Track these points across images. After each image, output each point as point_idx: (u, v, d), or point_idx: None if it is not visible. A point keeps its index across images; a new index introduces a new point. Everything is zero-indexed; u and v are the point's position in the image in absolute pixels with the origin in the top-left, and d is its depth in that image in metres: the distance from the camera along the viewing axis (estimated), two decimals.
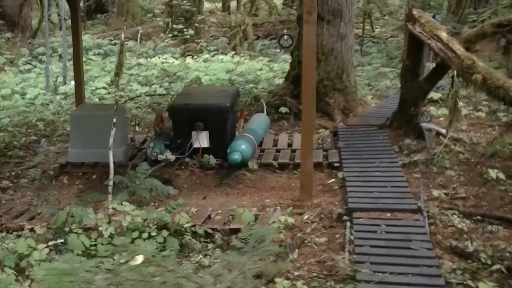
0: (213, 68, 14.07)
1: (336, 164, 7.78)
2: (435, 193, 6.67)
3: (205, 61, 15.82)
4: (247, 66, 14.31)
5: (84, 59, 15.92)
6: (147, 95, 12.32)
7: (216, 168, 7.83)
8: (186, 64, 15.04)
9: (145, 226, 5.87)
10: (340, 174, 7.35)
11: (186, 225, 5.88)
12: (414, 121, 8.63)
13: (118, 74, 6.38)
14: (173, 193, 6.96)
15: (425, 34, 7.72)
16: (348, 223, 6.07)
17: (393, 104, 9.54)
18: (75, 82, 10.02)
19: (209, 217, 6.33)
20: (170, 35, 18.89)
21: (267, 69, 14.39)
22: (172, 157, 7.83)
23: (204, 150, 7.88)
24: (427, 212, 6.20)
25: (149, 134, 9.61)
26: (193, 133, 7.86)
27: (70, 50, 15.87)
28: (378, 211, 6.23)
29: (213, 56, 16.44)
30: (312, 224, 6.27)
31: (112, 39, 18.74)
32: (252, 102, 10.86)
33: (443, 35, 7.44)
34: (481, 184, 7.17)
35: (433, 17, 10.57)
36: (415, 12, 8.21)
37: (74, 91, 10.14)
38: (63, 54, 13.87)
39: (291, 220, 6.06)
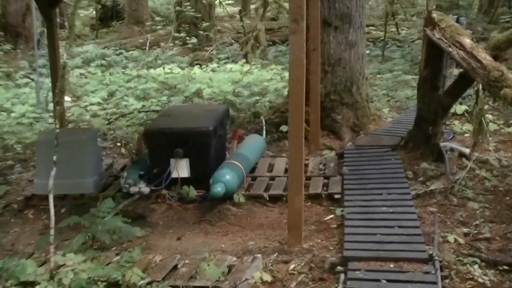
0: (218, 80, 12.96)
1: (337, 196, 6.63)
2: (451, 238, 5.48)
3: (213, 70, 14.74)
4: (255, 76, 13.17)
5: (82, 71, 15.13)
6: (139, 112, 11.25)
7: (198, 201, 6.73)
8: (191, 75, 13.97)
9: (91, 284, 4.78)
10: (338, 211, 6.17)
11: (141, 282, 4.78)
12: (433, 142, 7.45)
13: (58, 102, 5.21)
14: (141, 234, 5.86)
15: (445, 41, 6.56)
16: (342, 276, 4.93)
17: (411, 119, 8.34)
18: (53, 101, 8.99)
19: (174, 267, 5.22)
20: (180, 42, 17.88)
21: (278, 78, 13.26)
22: (146, 190, 6.75)
23: (184, 180, 6.79)
24: (441, 261, 5.02)
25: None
26: (172, 160, 6.76)
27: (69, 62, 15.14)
28: (379, 261, 5.07)
29: (222, 65, 15.36)
30: (299, 276, 5.15)
31: (118, 48, 17.75)
32: (251, 119, 9.71)
33: (467, 41, 6.27)
34: (510, 220, 5.96)
35: (457, 20, 9.39)
36: (434, 15, 7.04)
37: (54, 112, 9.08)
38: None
39: (267, 277, 4.90)
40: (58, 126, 6.09)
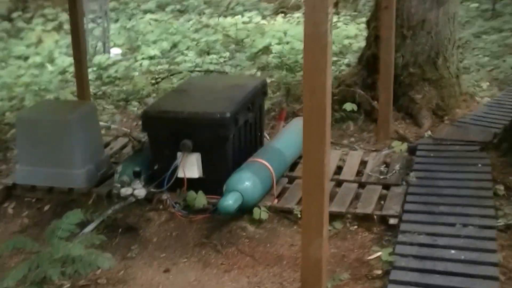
0: (292, 34, 11.10)
1: (392, 221, 4.79)
2: None
3: (299, 22, 12.84)
4: (338, 31, 11.21)
5: (154, 17, 13.56)
6: (190, 71, 9.63)
7: (210, 210, 5.07)
8: (263, 27, 12.17)
9: None
10: (386, 254, 4.33)
11: None
12: None
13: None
14: (108, 266, 4.26)
15: None
16: None
17: None
18: (74, 59, 7.49)
19: None
20: None
21: (364, 34, 11.20)
22: (141, 193, 5.15)
23: (194, 182, 5.15)
24: None
25: None
26: (178, 154, 5.12)
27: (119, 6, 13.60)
28: None
29: None
30: None
31: None
32: None
33: None
34: None
35: None
36: None
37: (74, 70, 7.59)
38: (101, 11, 11.34)
39: None
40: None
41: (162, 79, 9.51)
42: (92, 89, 9.11)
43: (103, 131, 7.06)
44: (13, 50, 11.70)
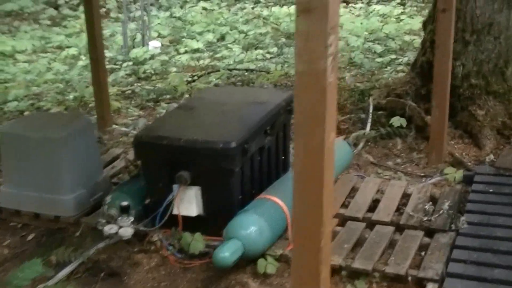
0: (348, 28, 10.02)
1: (431, 287, 3.77)
2: None
3: (367, 12, 11.73)
4: (400, 25, 10.06)
5: (205, 5, 12.70)
6: (229, 69, 8.73)
7: (210, 256, 4.17)
8: None
9: None
10: None
11: None
12: None
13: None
14: None
15: None
16: None
17: None
18: (90, 59, 6.73)
19: None
20: None
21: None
22: (127, 232, 4.29)
23: (193, 221, 4.26)
24: None
25: None
26: (174, 187, 4.23)
27: None
28: None
29: (372, 3, 12.31)
30: None
31: None
32: (356, 100, 6.82)
33: None
34: None
35: None
36: None
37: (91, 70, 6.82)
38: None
39: None
40: None
41: (199, 77, 8.63)
42: (123, 87, 8.36)
43: (121, 138, 6.30)
44: (52, 40, 11.03)
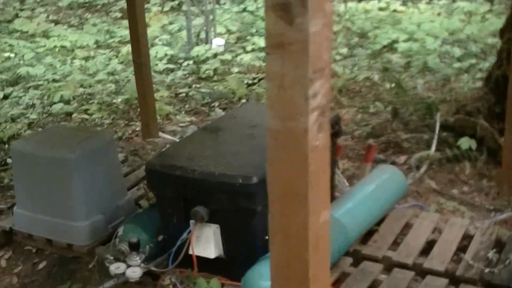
0: (426, 28, 9.18)
1: None
2: None
3: (450, 10, 10.79)
4: (482, 26, 9.15)
5: None
6: None
7: None
8: (398, 16, 10.30)
9: None
10: None
11: None
12: None
13: None
14: None
15: None
16: None
17: None
18: (134, 62, 6.26)
19: None
20: None
21: None
22: (134, 274, 3.77)
23: (211, 263, 3.70)
24: None
25: None
26: (191, 223, 3.68)
27: None
28: None
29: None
30: None
31: None
32: (422, 115, 6.06)
33: None
34: None
35: None
36: None
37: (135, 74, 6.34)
38: None
39: None
40: None
41: (259, 80, 8.03)
42: (180, 88, 7.87)
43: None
44: (117, 34, 10.66)
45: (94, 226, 4.34)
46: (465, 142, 5.15)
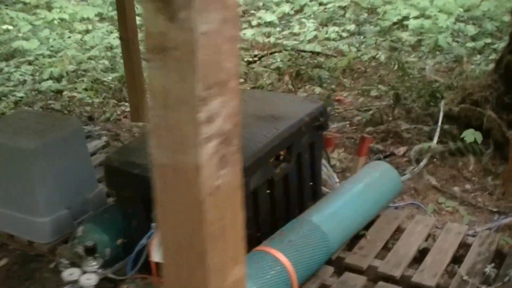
0: (439, 4, 8.64)
1: None
2: None
3: None
4: (499, 3, 8.58)
5: None
6: (287, 50, 7.66)
7: None
8: None
9: None
10: None
11: None
12: None
13: None
14: None
15: None
16: None
17: None
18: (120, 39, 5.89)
19: None
20: None
21: None
22: (90, 281, 3.41)
23: None
24: None
25: None
26: (152, 226, 3.30)
27: None
28: None
29: None
30: None
31: None
32: (426, 101, 5.61)
33: None
34: None
35: None
36: None
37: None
38: None
39: None
40: None
41: (260, 58, 7.61)
42: None
43: None
44: None
45: (57, 222, 3.99)
46: (470, 135, 4.71)
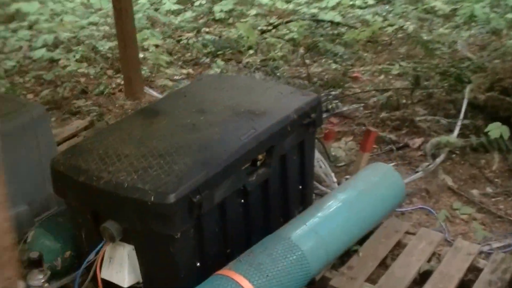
0: None
1: None
2: None
3: None
4: None
5: None
6: (315, 20, 7.06)
7: None
8: None
9: None
10: None
11: None
12: None
13: None
14: None
15: None
16: None
17: None
18: (113, 8, 5.38)
19: None
20: None
21: None
22: None
23: None
24: None
25: None
26: (103, 242, 2.82)
27: None
28: None
29: None
30: None
31: None
32: (450, 85, 4.98)
33: None
34: None
35: None
36: None
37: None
38: None
39: None
40: None
41: (274, 26, 7.03)
42: (186, 33, 6.95)
43: None
44: None
45: (15, 219, 3.51)
46: (496, 129, 4.10)
